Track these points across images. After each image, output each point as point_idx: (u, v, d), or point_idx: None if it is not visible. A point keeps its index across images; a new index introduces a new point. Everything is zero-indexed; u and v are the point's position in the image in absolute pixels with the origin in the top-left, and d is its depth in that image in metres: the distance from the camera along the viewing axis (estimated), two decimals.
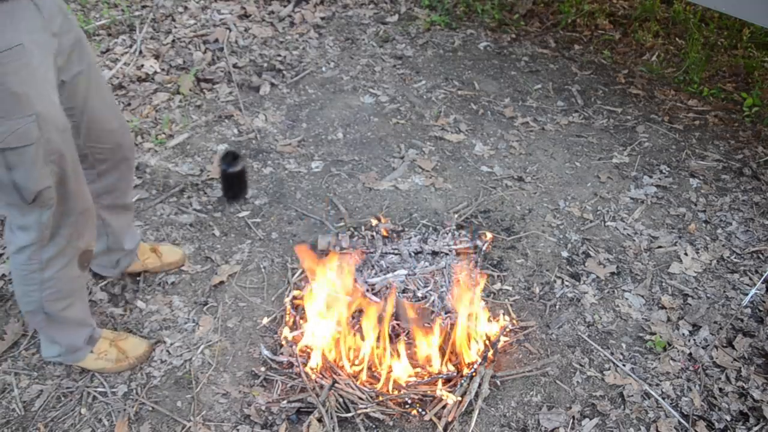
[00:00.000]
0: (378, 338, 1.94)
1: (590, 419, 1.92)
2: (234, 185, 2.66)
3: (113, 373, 1.99)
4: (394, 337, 2.05)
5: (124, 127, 1.87)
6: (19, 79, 1.34)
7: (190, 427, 1.86)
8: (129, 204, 2.08)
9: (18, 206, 1.52)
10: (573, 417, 1.92)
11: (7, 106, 1.34)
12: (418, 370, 1.97)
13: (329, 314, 1.99)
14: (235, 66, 3.59)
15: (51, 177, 1.49)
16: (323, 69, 3.68)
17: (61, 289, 1.72)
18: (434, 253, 2.43)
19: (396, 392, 1.90)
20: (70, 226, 1.62)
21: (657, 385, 2.04)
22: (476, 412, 1.89)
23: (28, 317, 1.80)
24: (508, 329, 2.15)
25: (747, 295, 2.35)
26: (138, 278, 2.31)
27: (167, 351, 2.07)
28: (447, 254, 2.42)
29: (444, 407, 1.88)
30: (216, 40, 3.74)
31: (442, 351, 2.00)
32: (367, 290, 2.18)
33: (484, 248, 2.47)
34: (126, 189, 2.01)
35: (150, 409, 1.91)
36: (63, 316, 1.79)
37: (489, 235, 2.53)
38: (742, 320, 2.26)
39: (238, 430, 1.85)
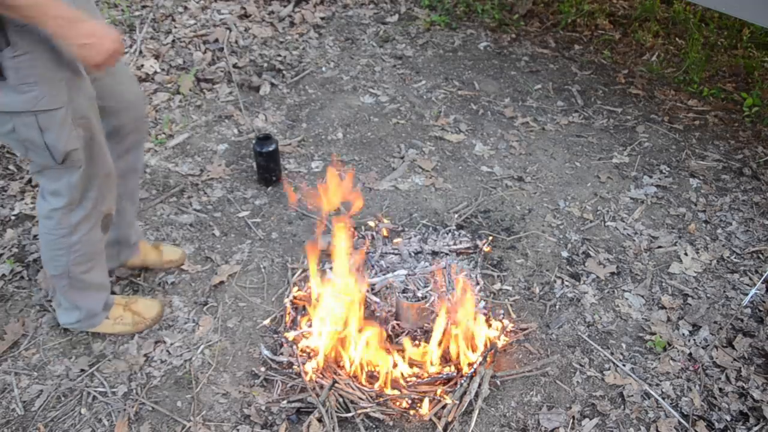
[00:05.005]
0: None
1: (590, 419, 1.93)
2: (269, 165, 2.74)
3: (133, 334, 2.10)
4: (394, 337, 2.05)
5: (140, 98, 1.98)
6: (49, 46, 1.46)
7: (190, 427, 1.86)
8: (138, 187, 2.19)
9: (50, 170, 1.65)
10: (573, 417, 1.92)
11: (40, 71, 1.47)
12: (418, 370, 1.97)
13: (331, 315, 1.99)
14: (235, 66, 3.59)
15: (79, 140, 1.62)
16: (323, 69, 3.68)
17: (86, 252, 1.85)
18: (434, 253, 2.43)
19: (396, 392, 1.90)
20: (96, 189, 1.75)
21: (657, 385, 2.04)
22: (476, 412, 1.89)
23: (54, 281, 1.93)
24: (508, 329, 2.15)
25: (747, 295, 2.35)
26: (139, 278, 2.31)
27: (167, 351, 2.07)
28: (447, 254, 2.42)
29: (444, 407, 1.88)
30: (216, 40, 3.74)
31: (442, 351, 2.00)
32: (368, 290, 2.18)
33: (484, 249, 2.47)
34: (141, 166, 2.12)
35: (150, 409, 1.91)
36: (85, 278, 1.91)
37: (489, 239, 2.53)
38: (742, 320, 2.26)
39: (238, 430, 1.85)
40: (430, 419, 1.86)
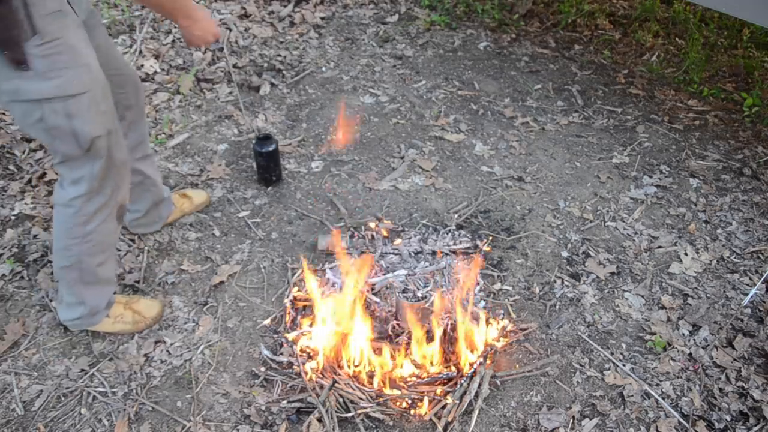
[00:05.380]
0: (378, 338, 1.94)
1: (590, 419, 1.93)
2: (269, 165, 2.74)
3: (133, 333, 2.11)
4: (394, 337, 2.05)
5: (132, 69, 2.07)
6: (70, 33, 1.53)
7: (190, 427, 1.86)
8: (152, 152, 2.31)
9: (73, 158, 1.68)
10: (573, 417, 1.92)
11: (68, 56, 1.52)
12: (418, 370, 1.97)
13: (332, 315, 1.99)
14: (235, 66, 3.59)
15: (102, 127, 1.67)
16: (323, 69, 3.68)
17: (100, 242, 1.88)
18: (434, 253, 2.43)
19: (396, 392, 1.90)
20: (113, 178, 1.80)
21: (657, 385, 2.04)
22: (476, 412, 1.89)
23: (63, 273, 1.93)
24: (508, 329, 2.15)
25: (747, 295, 2.35)
26: (137, 282, 2.31)
27: (167, 351, 2.08)
28: (447, 254, 2.42)
29: (444, 407, 1.88)
30: (216, 40, 3.74)
31: (443, 351, 2.01)
32: (368, 290, 2.18)
33: (484, 249, 2.47)
34: (147, 136, 2.22)
35: (150, 409, 1.91)
36: (96, 272, 1.94)
37: (489, 239, 2.53)
38: (742, 320, 2.26)
39: (238, 430, 1.85)
40: (430, 419, 1.86)
